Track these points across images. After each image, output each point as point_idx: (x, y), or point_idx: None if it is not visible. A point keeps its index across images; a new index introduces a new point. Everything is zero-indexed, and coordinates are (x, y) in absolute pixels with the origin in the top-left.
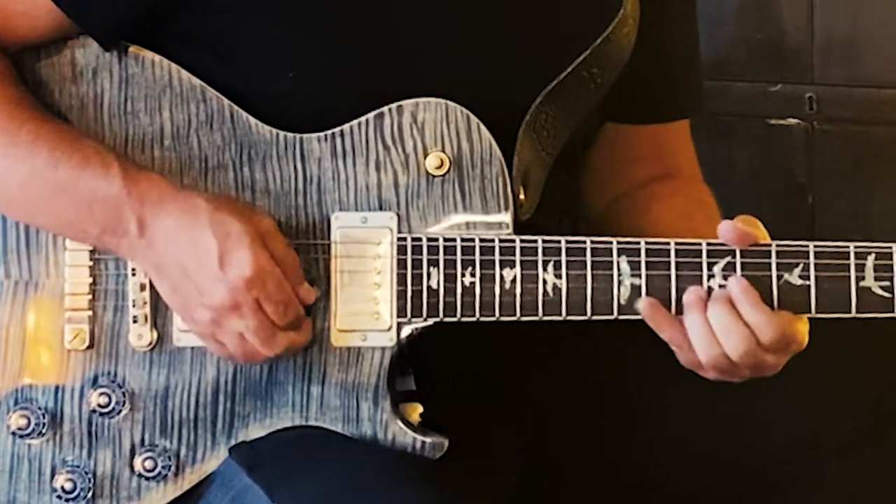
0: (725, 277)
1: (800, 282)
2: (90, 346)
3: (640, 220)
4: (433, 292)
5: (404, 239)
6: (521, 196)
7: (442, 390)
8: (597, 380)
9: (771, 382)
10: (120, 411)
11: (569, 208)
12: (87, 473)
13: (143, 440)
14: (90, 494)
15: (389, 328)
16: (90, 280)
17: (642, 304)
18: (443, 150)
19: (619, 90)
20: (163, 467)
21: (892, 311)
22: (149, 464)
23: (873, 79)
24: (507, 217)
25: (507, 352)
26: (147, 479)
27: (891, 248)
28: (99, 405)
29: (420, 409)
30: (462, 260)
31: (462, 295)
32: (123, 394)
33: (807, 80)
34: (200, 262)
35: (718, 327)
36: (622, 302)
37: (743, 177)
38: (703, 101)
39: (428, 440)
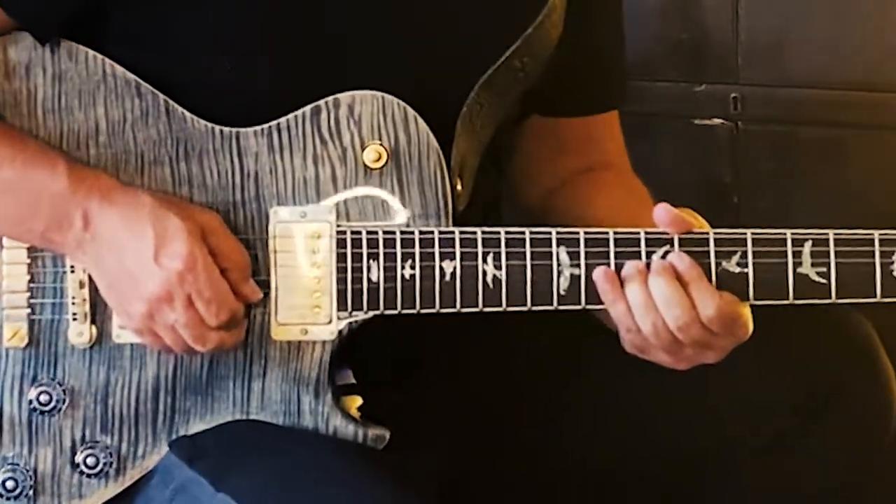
0: None
1: (738, 269)
2: (29, 344)
3: (581, 213)
4: (373, 285)
5: (343, 232)
6: (459, 187)
7: (379, 379)
8: (532, 370)
9: (698, 377)
10: (60, 409)
11: (494, 202)
12: (28, 471)
13: (84, 437)
14: (32, 492)
15: (330, 321)
16: (28, 278)
17: (598, 272)
18: (380, 143)
19: (546, 83)
20: (104, 464)
21: (829, 297)
22: (90, 461)
23: (797, 79)
24: (445, 209)
25: (445, 338)
26: (89, 475)
27: (827, 234)
28: (39, 403)
29: (359, 401)
30: (402, 253)
31: (402, 288)
32: (64, 391)
33: (731, 79)
34: (137, 253)
35: (660, 297)
36: (562, 292)
37: (667, 176)
38: (626, 93)
39: (370, 433)
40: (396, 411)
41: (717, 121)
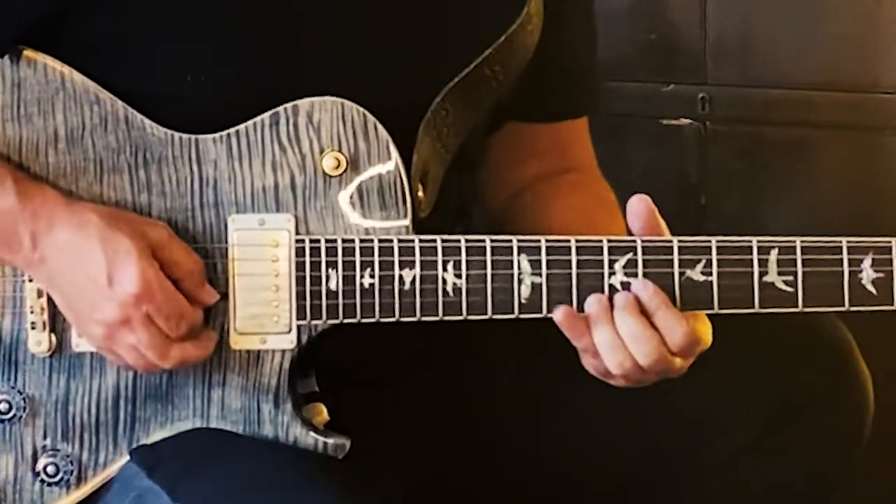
0: (627, 275)
1: (702, 278)
2: None
3: (539, 217)
4: (332, 294)
5: (302, 241)
6: (420, 193)
7: (342, 386)
8: (499, 375)
9: (673, 382)
10: (21, 417)
11: (464, 209)
12: None
13: (45, 445)
14: None
15: (289, 330)
16: None
17: (558, 313)
18: (339, 150)
19: (519, 88)
20: (65, 472)
21: (796, 306)
22: (51, 469)
23: (765, 79)
24: (405, 217)
25: (408, 345)
26: (49, 484)
27: (794, 241)
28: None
29: (325, 411)
30: (361, 261)
31: (361, 296)
32: (24, 399)
33: (699, 80)
34: (90, 279)
35: (628, 335)
36: (523, 301)
37: (635, 177)
38: (600, 100)
39: (330, 441)
40: (361, 418)
41: (685, 121)
